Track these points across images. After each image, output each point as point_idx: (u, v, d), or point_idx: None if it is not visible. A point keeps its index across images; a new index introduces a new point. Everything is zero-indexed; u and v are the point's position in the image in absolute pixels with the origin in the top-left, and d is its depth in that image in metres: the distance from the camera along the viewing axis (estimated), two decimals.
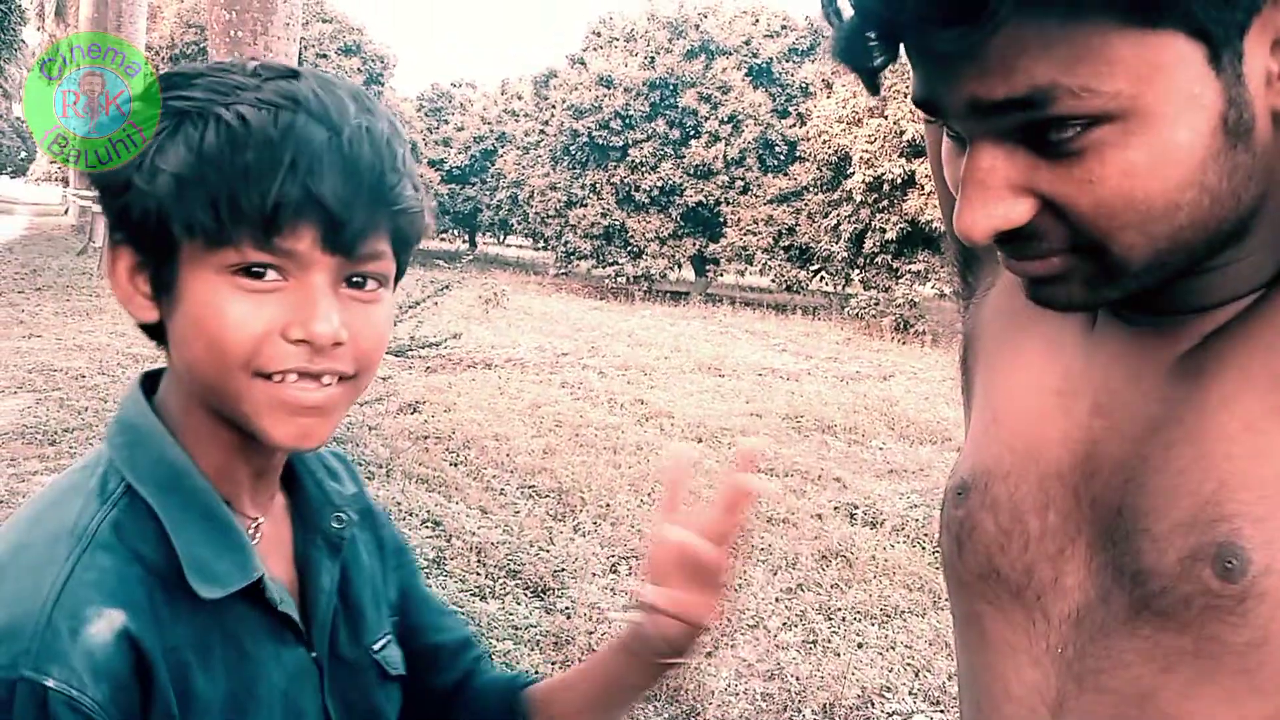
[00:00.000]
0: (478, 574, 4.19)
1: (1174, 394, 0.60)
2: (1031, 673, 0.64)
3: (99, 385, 7.08)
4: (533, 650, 3.51)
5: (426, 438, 6.54)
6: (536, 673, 3.29)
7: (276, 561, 0.77)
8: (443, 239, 35.93)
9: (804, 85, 21.77)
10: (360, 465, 5.55)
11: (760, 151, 22.05)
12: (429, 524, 4.71)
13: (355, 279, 0.68)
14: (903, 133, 16.42)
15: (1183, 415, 0.59)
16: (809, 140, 19.69)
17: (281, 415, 0.66)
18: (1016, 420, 0.70)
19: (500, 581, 4.15)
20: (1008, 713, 0.66)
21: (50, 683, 0.58)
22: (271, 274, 0.64)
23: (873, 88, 0.58)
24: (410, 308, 6.30)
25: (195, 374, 0.66)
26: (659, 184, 22.20)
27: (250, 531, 0.75)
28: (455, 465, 5.97)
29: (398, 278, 0.73)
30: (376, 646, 0.83)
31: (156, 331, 0.70)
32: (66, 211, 31.99)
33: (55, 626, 0.59)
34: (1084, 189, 0.54)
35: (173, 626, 0.65)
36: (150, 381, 0.74)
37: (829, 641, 3.87)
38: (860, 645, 3.85)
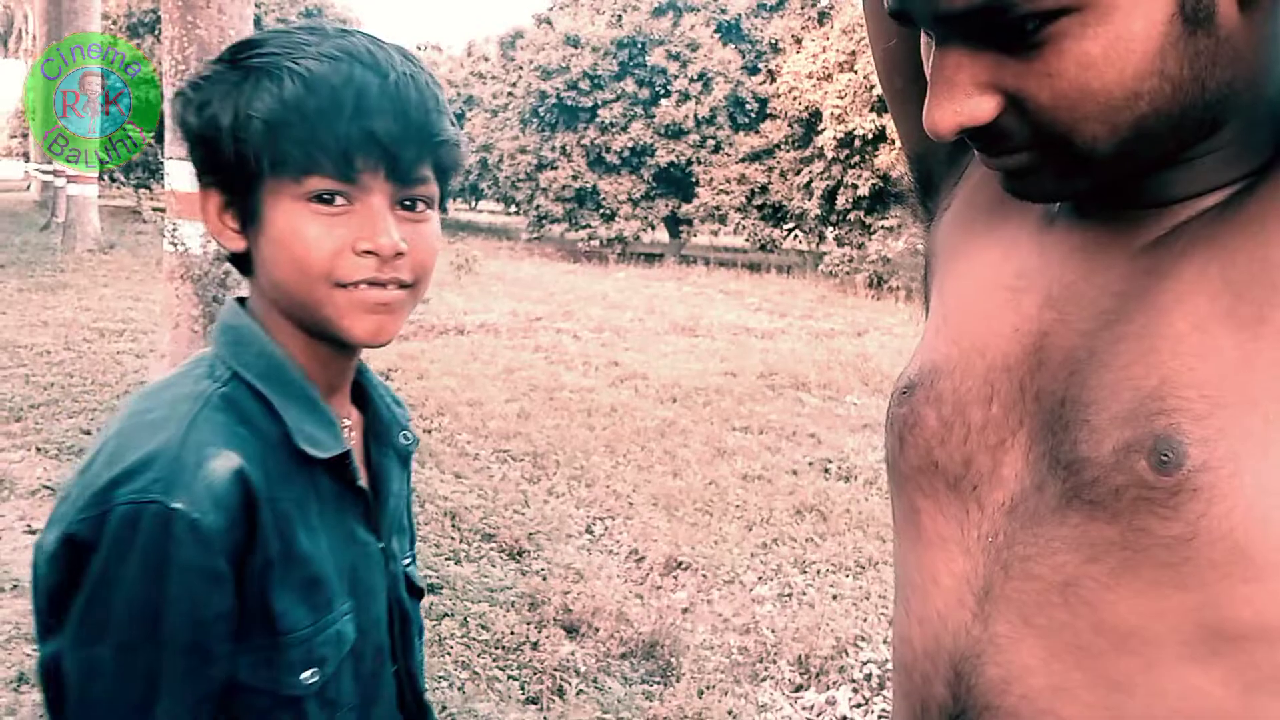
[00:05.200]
0: (452, 538, 4.19)
1: (1128, 288, 0.61)
2: (962, 562, 0.65)
3: (65, 360, 6.98)
4: (508, 611, 3.52)
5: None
6: (513, 633, 3.32)
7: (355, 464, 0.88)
8: None
9: (773, 41, 21.60)
10: None
11: (731, 109, 21.92)
12: None
13: (407, 202, 0.80)
14: (873, 87, 16.35)
15: (1134, 311, 0.59)
16: (779, 97, 19.60)
17: (359, 314, 0.77)
18: (965, 317, 0.70)
19: (475, 545, 4.16)
20: (935, 603, 0.66)
21: (177, 505, 0.69)
22: (340, 200, 0.76)
23: None
24: None
25: (283, 289, 0.78)
26: (630, 145, 22.04)
27: (349, 433, 0.88)
28: (429, 432, 5.94)
29: (442, 202, 0.85)
30: (405, 562, 0.94)
31: (242, 260, 0.83)
32: (29, 187, 31.42)
33: (183, 460, 0.70)
34: (1043, 83, 0.55)
35: (278, 481, 0.76)
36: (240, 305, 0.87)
37: (804, 594, 3.91)
38: (835, 597, 3.89)
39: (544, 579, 3.84)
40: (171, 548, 0.68)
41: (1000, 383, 0.65)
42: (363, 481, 0.85)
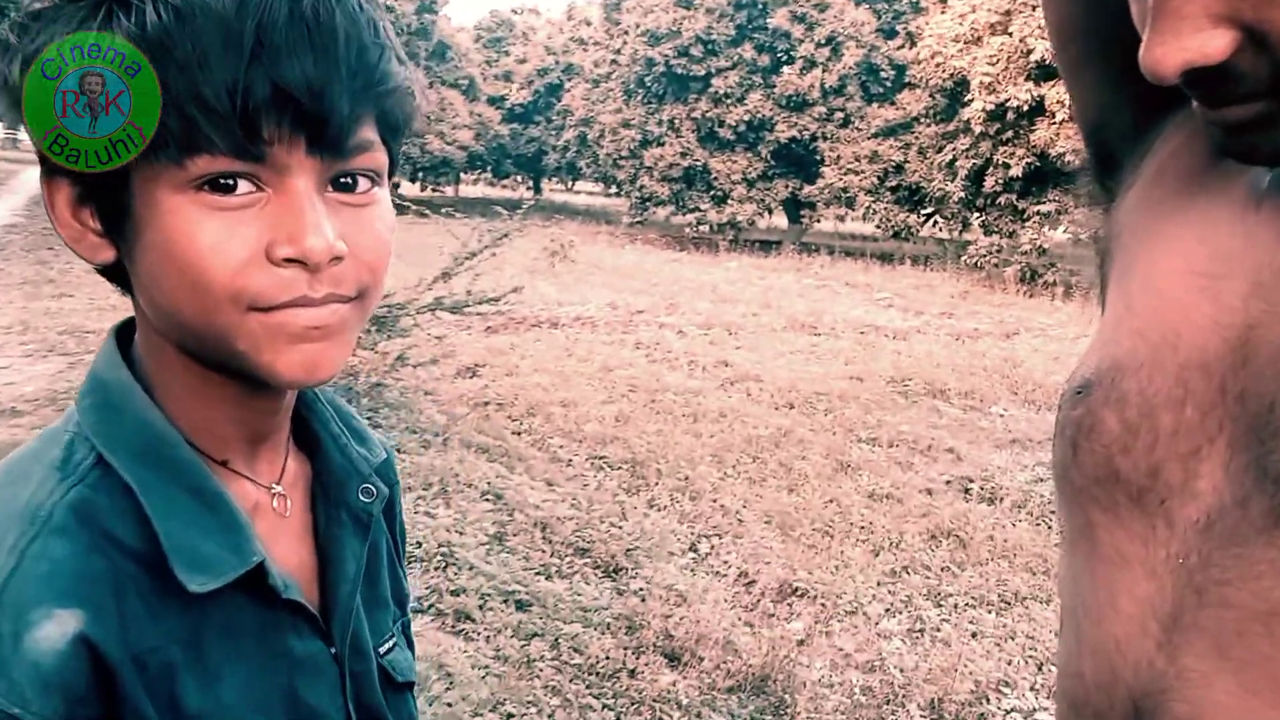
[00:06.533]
0: (543, 551, 4.27)
1: None
2: (1145, 585, 0.63)
3: None
4: (603, 634, 3.57)
5: (487, 404, 6.65)
6: (608, 658, 3.37)
7: (291, 541, 0.74)
8: (504, 185, 36.21)
9: (914, 0, 21.24)
10: (415, 433, 5.68)
11: (863, 78, 21.63)
12: (490, 497, 4.81)
13: (343, 179, 0.63)
14: (1030, 52, 15.93)
15: None
16: (920, 63, 19.24)
17: (284, 346, 0.61)
18: (1154, 308, 0.68)
19: (568, 559, 4.23)
20: (1114, 631, 0.65)
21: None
22: (244, 185, 0.59)
23: None
24: (466, 259, 6.38)
25: (172, 316, 0.62)
26: (746, 118, 21.97)
27: (273, 502, 0.73)
28: (518, 434, 6.07)
29: (391, 172, 0.68)
30: (382, 649, 0.81)
31: (117, 273, 0.65)
32: None
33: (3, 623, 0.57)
34: None
35: (152, 624, 0.62)
36: (127, 332, 0.71)
37: (938, 630, 3.85)
38: (974, 635, 3.82)
39: (643, 600, 3.88)
40: None
41: (1196, 382, 0.63)
42: (298, 567, 0.73)
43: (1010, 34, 16.49)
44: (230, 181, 0.58)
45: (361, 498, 0.77)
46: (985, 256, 17.03)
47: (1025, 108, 16.15)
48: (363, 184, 0.64)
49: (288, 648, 0.70)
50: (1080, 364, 0.73)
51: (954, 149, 18.39)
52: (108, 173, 0.59)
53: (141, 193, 0.59)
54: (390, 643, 0.82)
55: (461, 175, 36.45)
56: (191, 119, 0.56)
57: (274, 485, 0.73)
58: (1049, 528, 4.96)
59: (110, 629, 0.59)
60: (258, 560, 0.66)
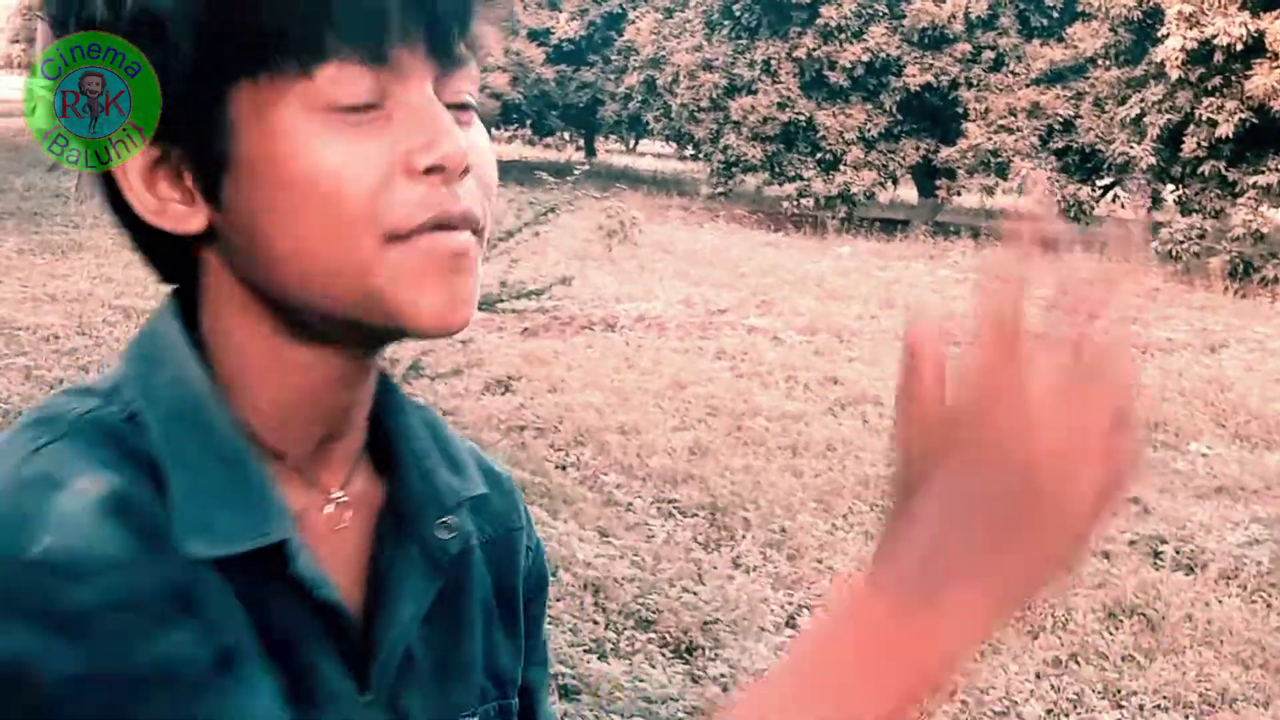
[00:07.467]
0: (595, 622, 4.28)
1: None
2: None
3: (77, 350, 7.48)
4: None
5: (523, 428, 6.69)
6: None
7: (337, 561, 0.77)
8: (548, 145, 36.39)
9: None
10: None
11: (1021, 5, 21.44)
12: None
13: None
14: None
15: None
16: None
17: (428, 279, 0.67)
18: None
19: (627, 634, 4.23)
20: None
21: (38, 551, 0.59)
22: (365, 97, 0.67)
23: None
24: (500, 240, 6.40)
25: (290, 266, 0.68)
26: (865, 59, 21.86)
27: (329, 509, 0.78)
28: (563, 468, 6.09)
29: None
30: None
31: (174, 252, 0.73)
32: (34, 110, 33.80)
33: (29, 491, 0.62)
34: None
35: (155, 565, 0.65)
36: (182, 298, 0.77)
37: None
38: None
39: (725, 690, 3.87)
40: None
41: None
42: (331, 587, 0.73)
43: None
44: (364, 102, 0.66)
45: (439, 533, 0.80)
46: (1183, 243, 16.74)
47: (1239, 46, 15.89)
48: (465, 99, 0.71)
49: (315, 671, 0.72)
50: None
51: (1142, 100, 18.15)
52: (200, 117, 0.66)
53: (248, 122, 0.66)
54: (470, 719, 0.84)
55: (493, 131, 36.59)
56: (315, 18, 0.63)
57: (335, 493, 0.78)
58: (1268, 606, 4.87)
59: (146, 499, 0.65)
60: (279, 537, 0.69)
